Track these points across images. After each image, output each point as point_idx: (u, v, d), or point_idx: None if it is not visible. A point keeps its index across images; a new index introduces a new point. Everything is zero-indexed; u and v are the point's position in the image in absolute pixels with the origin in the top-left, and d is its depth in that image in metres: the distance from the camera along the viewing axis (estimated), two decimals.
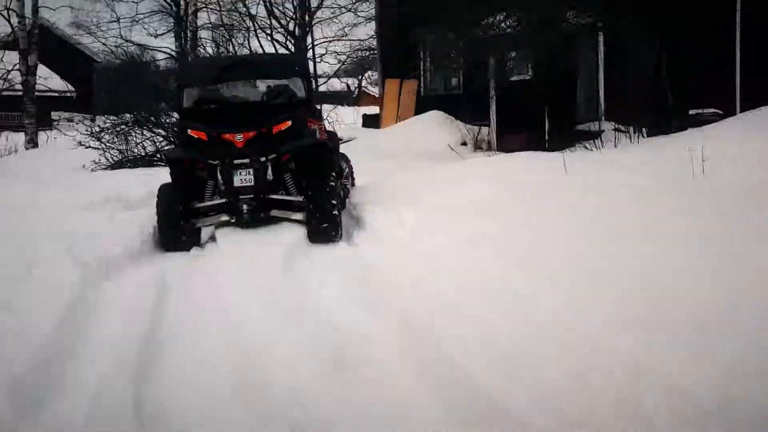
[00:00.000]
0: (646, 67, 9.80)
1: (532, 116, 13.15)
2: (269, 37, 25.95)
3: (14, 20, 21.45)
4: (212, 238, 6.59)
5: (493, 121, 14.82)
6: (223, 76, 7.38)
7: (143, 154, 12.86)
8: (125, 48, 28.37)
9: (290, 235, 6.38)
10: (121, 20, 28.02)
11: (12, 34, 22.46)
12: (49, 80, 27.53)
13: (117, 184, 8.67)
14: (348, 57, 30.27)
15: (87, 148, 12.67)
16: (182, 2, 26.88)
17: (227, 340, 3.90)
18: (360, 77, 41.27)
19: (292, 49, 25.55)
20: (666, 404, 2.53)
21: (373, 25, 22.83)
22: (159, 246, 6.40)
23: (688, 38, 9.46)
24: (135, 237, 6.24)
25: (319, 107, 9.73)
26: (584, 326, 3.13)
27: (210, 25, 27.74)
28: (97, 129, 13.55)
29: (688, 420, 2.44)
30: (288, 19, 26.71)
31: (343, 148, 10.25)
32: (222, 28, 26.46)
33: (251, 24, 25.99)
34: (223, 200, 6.68)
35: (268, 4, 25.58)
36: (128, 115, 13.40)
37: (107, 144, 12.92)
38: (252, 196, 6.57)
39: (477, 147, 15.02)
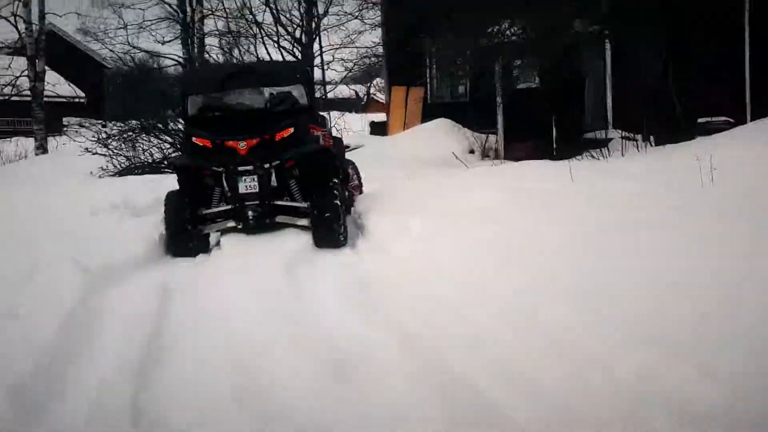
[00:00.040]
0: (654, 75, 9.77)
1: (539, 124, 13.11)
2: (276, 44, 26.00)
3: (21, 26, 21.57)
4: (217, 244, 6.59)
5: (500, 129, 14.80)
6: (226, 84, 7.41)
7: (150, 160, 12.87)
8: (133, 54, 28.43)
9: (295, 241, 6.42)
10: (128, 27, 28.08)
11: (20, 41, 22.57)
12: (57, 86, 27.62)
13: (124, 190, 8.66)
14: (355, 64, 30.33)
15: (94, 154, 12.69)
16: (189, 9, 26.94)
17: (228, 346, 3.88)
18: (368, 84, 41.34)
19: (299, 56, 25.59)
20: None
21: (379, 32, 22.83)
22: (166, 252, 6.43)
23: (696, 45, 9.43)
24: (140, 243, 6.25)
25: (326, 114, 9.73)
26: (593, 342, 3.07)
27: (217, 32, 27.84)
28: (104, 136, 13.55)
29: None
30: (294, 26, 26.77)
31: (350, 155, 10.25)
32: (229, 36, 26.52)
33: (258, 31, 26.05)
34: (229, 207, 6.72)
35: (274, 11, 25.65)
36: (134, 122, 13.43)
37: (114, 150, 12.94)
38: (257, 202, 6.63)
39: (484, 155, 15.00)
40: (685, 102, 9.30)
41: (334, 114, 18.49)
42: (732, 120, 9.60)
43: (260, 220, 6.68)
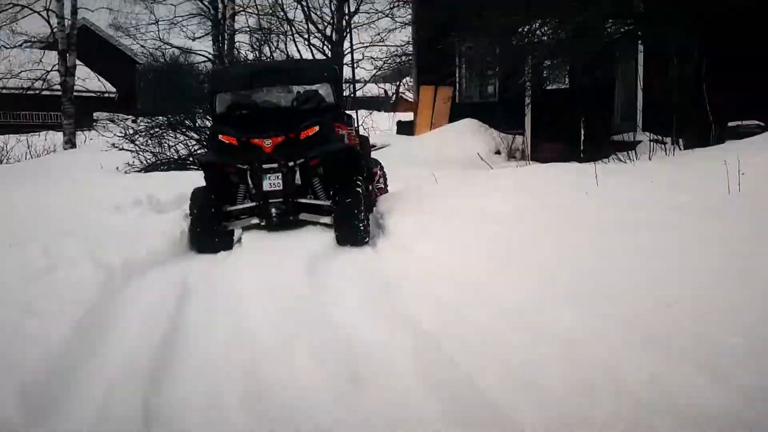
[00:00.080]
0: (685, 77, 9.64)
1: (568, 126, 13.02)
2: (306, 42, 26.06)
3: (54, 21, 21.84)
4: (238, 241, 6.63)
5: (527, 130, 14.72)
6: (254, 82, 7.48)
7: (176, 157, 12.95)
8: (164, 50, 28.63)
9: (316, 239, 6.44)
10: (159, 22, 28.27)
11: (51, 35, 22.86)
12: (87, 81, 27.95)
13: (148, 186, 8.71)
14: (384, 63, 30.31)
15: (120, 150, 12.80)
16: (220, 5, 27.08)
17: (243, 347, 3.88)
18: (397, 83, 41.31)
19: (329, 54, 25.64)
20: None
21: (409, 30, 22.79)
22: (190, 248, 6.47)
23: (728, 47, 9.28)
24: (161, 240, 6.27)
25: (353, 112, 9.75)
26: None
27: (248, 29, 27.95)
28: (131, 131, 13.66)
29: None
30: (325, 23, 26.83)
31: (376, 155, 10.26)
32: (259, 33, 26.62)
33: (288, 28, 26.12)
34: (253, 204, 6.78)
35: (305, 8, 25.71)
36: (161, 118, 13.52)
37: (141, 146, 13.04)
38: (281, 199, 6.67)
39: (511, 156, 14.93)
40: (717, 104, 9.17)
41: (362, 113, 18.49)
42: (763, 124, 9.44)
43: (283, 217, 6.74)
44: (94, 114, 29.82)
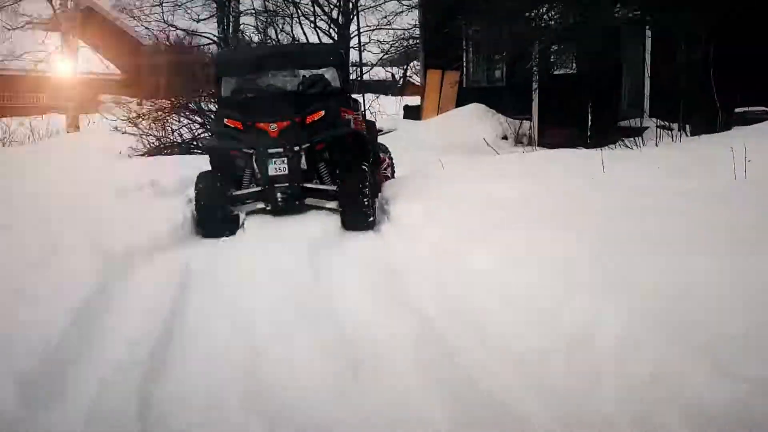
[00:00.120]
0: (693, 62, 9.58)
1: (575, 111, 12.96)
2: (312, 25, 25.92)
3: (56, 1, 21.70)
4: (242, 226, 6.62)
5: (534, 115, 14.65)
6: (260, 66, 7.46)
7: (180, 141, 12.89)
8: (168, 32, 28.44)
9: (321, 223, 6.45)
10: (164, 4, 28.08)
11: (54, 16, 22.73)
12: (91, 63, 27.85)
13: (152, 170, 8.67)
14: (391, 46, 30.11)
15: (123, 133, 12.76)
16: None
17: (243, 336, 3.86)
18: (405, 66, 41.07)
19: (336, 37, 25.51)
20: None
21: (416, 13, 22.65)
22: (197, 232, 6.47)
23: (736, 33, 9.21)
24: (164, 225, 6.24)
25: (360, 96, 9.72)
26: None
27: (253, 11, 27.78)
28: (134, 115, 13.56)
29: None
30: (331, 6, 26.66)
31: (382, 139, 10.23)
32: (265, 14, 26.48)
33: (294, 11, 25.97)
34: (259, 188, 6.78)
35: None
36: (166, 101, 13.43)
37: (144, 130, 12.96)
38: (286, 184, 6.67)
39: (518, 141, 14.88)
40: (724, 90, 9.12)
41: (369, 97, 18.40)
42: None
43: (289, 202, 6.75)
44: (102, 96, 29.75)
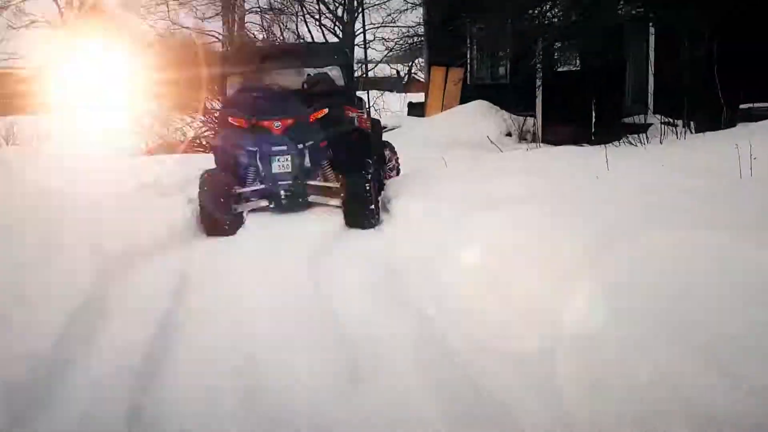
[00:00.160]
0: (697, 59, 9.55)
1: (578, 108, 12.93)
2: (317, 23, 25.93)
3: (61, 1, 21.76)
4: (244, 224, 6.61)
5: (538, 112, 14.63)
6: (264, 65, 7.47)
7: (182, 139, 12.88)
8: (173, 30, 28.43)
9: (324, 221, 6.45)
10: (169, 2, 28.04)
11: (60, 15, 22.78)
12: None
13: (155, 169, 8.63)
14: (396, 44, 30.10)
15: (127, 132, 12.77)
16: None
17: (239, 340, 3.83)
18: (410, 63, 41.02)
19: (340, 35, 25.53)
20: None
21: (421, 11, 22.65)
22: (199, 231, 6.48)
23: (740, 29, 9.18)
24: (164, 225, 6.22)
25: (364, 93, 9.73)
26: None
27: (258, 9, 27.78)
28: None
29: None
30: (336, 3, 26.67)
31: (387, 136, 10.25)
32: (270, 12, 26.50)
33: (299, 8, 25.98)
34: (262, 186, 6.79)
35: None
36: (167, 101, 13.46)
37: (148, 129, 12.96)
38: (290, 182, 6.68)
39: (522, 138, 14.87)
40: (728, 87, 9.09)
41: (374, 94, 18.39)
42: None
43: (292, 199, 6.76)
44: None
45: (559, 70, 13.46)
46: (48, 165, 9.53)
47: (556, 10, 10.97)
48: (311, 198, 6.83)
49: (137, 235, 5.70)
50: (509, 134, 15.16)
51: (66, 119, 21.07)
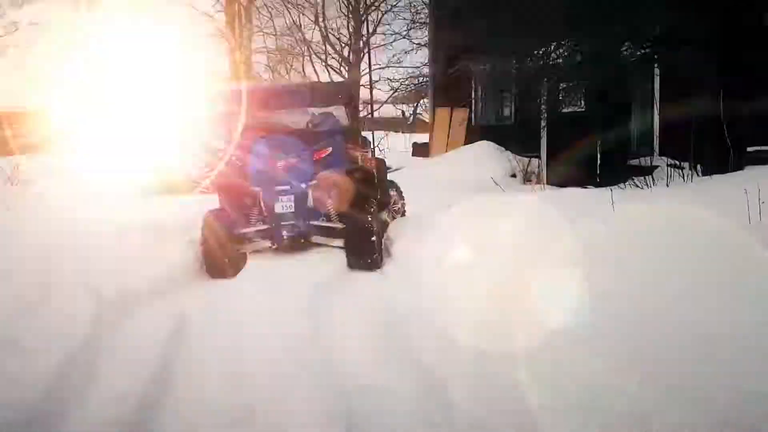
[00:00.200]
0: (704, 100, 9.52)
1: (584, 149, 12.91)
2: (324, 63, 26.19)
3: None
4: (247, 266, 6.52)
5: (543, 153, 14.61)
6: (268, 104, 7.45)
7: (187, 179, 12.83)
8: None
9: (326, 262, 6.35)
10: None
11: None
12: None
13: (154, 210, 8.54)
14: (401, 84, 30.36)
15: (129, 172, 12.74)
16: (237, 26, 27.23)
17: (236, 392, 3.74)
18: (415, 104, 41.30)
19: (346, 75, 25.74)
20: None
21: (426, 52, 22.84)
22: (200, 273, 6.39)
23: (747, 71, 9.17)
24: (163, 268, 6.12)
25: (369, 134, 9.72)
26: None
27: (265, 49, 28.07)
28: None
29: None
30: (342, 44, 26.95)
31: (391, 177, 10.21)
32: (276, 53, 26.76)
33: (306, 49, 26.25)
34: (265, 226, 6.73)
35: (323, 29, 25.85)
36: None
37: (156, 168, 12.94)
38: (293, 222, 6.62)
39: (526, 179, 14.82)
40: (736, 129, 9.04)
41: (378, 134, 18.46)
42: None
43: (295, 240, 6.69)
44: None
45: (564, 111, 13.45)
46: (52, 205, 9.45)
47: (561, 51, 10.99)
48: (314, 238, 6.77)
49: (136, 277, 5.58)
50: (514, 175, 15.12)
51: (76, 158, 21.14)
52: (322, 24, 25.79)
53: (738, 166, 8.23)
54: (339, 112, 7.40)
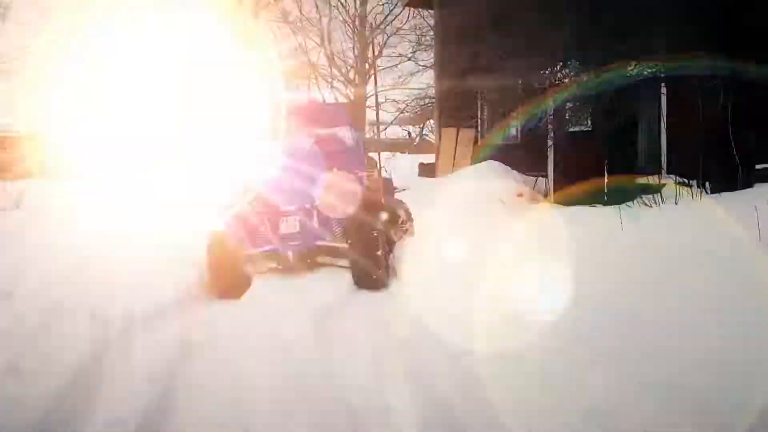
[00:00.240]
0: (711, 118, 9.47)
1: (591, 168, 12.82)
2: (329, 85, 26.26)
3: None
4: (252, 286, 6.46)
5: (550, 172, 14.54)
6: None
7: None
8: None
9: (331, 283, 6.31)
10: None
11: None
12: None
13: (158, 230, 8.47)
14: (407, 105, 30.41)
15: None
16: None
17: (238, 419, 3.65)
18: (422, 125, 41.36)
19: (352, 97, 25.81)
20: None
21: (431, 73, 22.91)
22: (206, 294, 6.31)
23: (755, 88, 9.12)
24: (167, 289, 6.05)
25: (376, 155, 9.71)
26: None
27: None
28: None
29: None
30: (348, 67, 27.04)
31: (398, 197, 10.16)
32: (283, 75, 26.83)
33: (311, 72, 26.32)
34: (271, 246, 6.69)
35: (328, 52, 25.95)
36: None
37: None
38: (299, 242, 6.58)
39: (533, 199, 14.75)
40: (744, 147, 8.98)
41: (385, 155, 18.45)
42: None
43: (301, 260, 6.65)
44: None
45: (571, 130, 13.41)
46: (51, 227, 9.40)
47: (567, 70, 10.98)
48: (320, 258, 6.72)
49: (140, 300, 5.52)
50: (521, 195, 15.05)
51: (85, 187, 21.13)
52: (328, 47, 25.91)
53: (747, 184, 8.17)
54: (344, 133, 7.38)
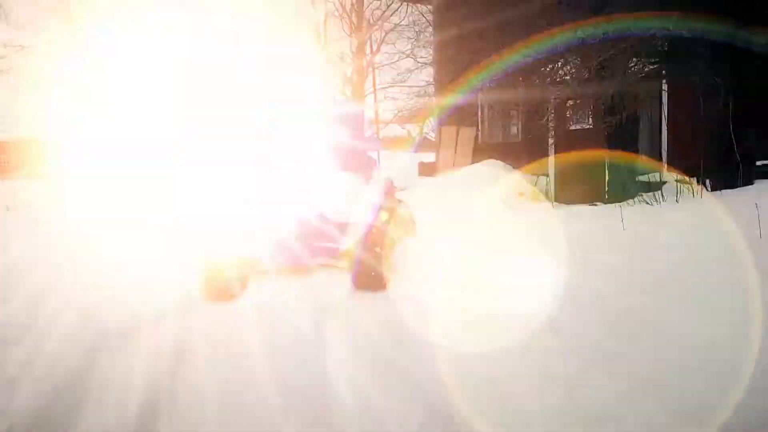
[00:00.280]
0: (712, 116, 9.44)
1: (592, 166, 12.81)
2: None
3: None
4: (248, 291, 6.41)
5: (551, 171, 14.53)
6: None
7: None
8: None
9: (329, 284, 6.24)
10: None
11: None
12: None
13: (152, 235, 8.44)
14: (406, 103, 30.37)
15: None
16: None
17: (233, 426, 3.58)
18: (422, 124, 41.36)
19: (350, 95, 25.81)
20: None
21: (431, 70, 22.88)
22: (202, 298, 6.25)
23: (756, 86, 9.09)
24: (161, 294, 5.98)
25: (375, 153, 9.67)
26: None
27: None
28: None
29: None
30: (346, 64, 27.05)
31: (399, 196, 10.13)
32: None
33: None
34: (269, 248, 6.64)
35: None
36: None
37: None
38: (296, 244, 6.53)
39: (535, 198, 14.73)
40: (744, 144, 8.96)
41: (384, 153, 18.41)
42: None
43: (299, 261, 6.59)
44: None
45: (572, 128, 13.39)
46: (43, 230, 9.38)
47: (569, 68, 10.95)
48: (318, 260, 6.66)
49: (133, 304, 5.48)
50: (522, 193, 15.03)
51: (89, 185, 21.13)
52: (324, 44, 25.91)
53: (747, 181, 8.15)
54: (343, 131, 7.34)
